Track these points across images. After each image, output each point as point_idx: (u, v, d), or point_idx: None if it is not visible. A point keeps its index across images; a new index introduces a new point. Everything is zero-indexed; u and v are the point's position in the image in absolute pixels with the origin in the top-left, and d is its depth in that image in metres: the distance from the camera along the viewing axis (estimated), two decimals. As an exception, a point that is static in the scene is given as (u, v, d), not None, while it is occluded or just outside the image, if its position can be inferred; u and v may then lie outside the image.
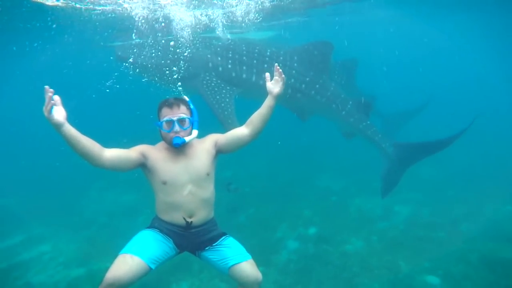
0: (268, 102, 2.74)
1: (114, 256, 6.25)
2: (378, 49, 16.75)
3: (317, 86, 6.63)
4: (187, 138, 2.57)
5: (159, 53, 6.02)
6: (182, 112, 2.58)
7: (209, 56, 6.14)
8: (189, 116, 2.62)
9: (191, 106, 2.70)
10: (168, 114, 2.55)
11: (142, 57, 6.04)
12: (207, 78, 5.98)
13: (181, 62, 5.85)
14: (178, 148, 2.59)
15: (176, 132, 2.53)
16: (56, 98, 2.24)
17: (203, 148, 2.71)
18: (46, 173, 10.09)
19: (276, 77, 2.74)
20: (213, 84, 5.92)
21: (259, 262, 2.90)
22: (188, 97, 2.80)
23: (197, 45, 6.20)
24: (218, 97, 5.75)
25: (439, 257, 5.32)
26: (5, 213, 8.20)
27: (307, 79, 6.55)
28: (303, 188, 8.47)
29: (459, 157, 9.60)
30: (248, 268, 2.69)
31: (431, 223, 6.57)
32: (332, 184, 8.82)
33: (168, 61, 5.97)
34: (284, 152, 10.59)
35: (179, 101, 2.62)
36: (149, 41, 6.22)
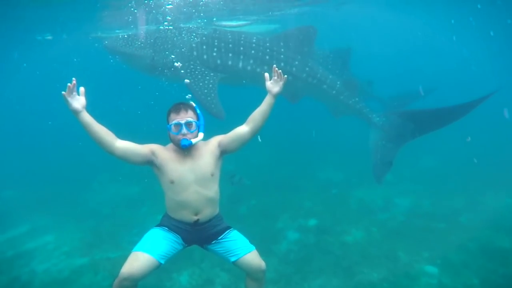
0: (267, 100, 2.90)
1: (117, 246, 6.33)
2: (378, 37, 16.84)
3: (307, 68, 6.84)
4: (193, 140, 2.72)
5: (149, 44, 6.17)
6: (189, 116, 2.74)
7: (193, 45, 6.26)
8: (195, 120, 2.78)
9: (198, 111, 2.87)
10: (177, 118, 2.71)
11: (132, 48, 6.18)
12: (191, 66, 6.10)
13: (167, 52, 5.99)
14: (186, 149, 2.74)
15: (184, 135, 2.69)
16: (81, 89, 2.60)
17: (208, 150, 2.84)
18: (51, 166, 10.20)
19: (275, 77, 2.88)
20: (196, 72, 6.05)
21: (259, 252, 2.99)
22: (194, 103, 2.94)
23: (182, 34, 6.31)
24: (201, 84, 5.94)
25: (438, 246, 5.36)
26: (11, 204, 8.33)
27: (296, 62, 6.74)
28: (304, 180, 8.50)
29: (460, 148, 9.59)
30: (251, 259, 2.88)
31: (431, 214, 6.60)
32: (333, 176, 8.86)
33: (158, 52, 6.10)
34: (285, 145, 10.63)
35: (186, 106, 2.79)
36: (140, 31, 6.33)
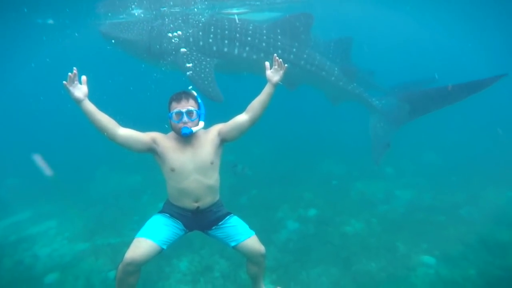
0: (267, 89, 2.88)
1: (118, 232, 6.39)
2: (381, 28, 16.77)
3: (305, 56, 6.83)
4: (194, 129, 2.75)
5: (146, 29, 6.18)
6: (190, 105, 2.78)
7: (190, 31, 6.24)
8: (196, 109, 2.81)
9: (199, 100, 2.90)
10: (178, 107, 2.76)
11: (128, 34, 6.19)
12: (187, 52, 6.12)
13: (164, 38, 5.97)
14: (186, 138, 2.77)
15: (185, 123, 2.73)
16: (83, 78, 2.62)
17: (208, 138, 2.87)
18: (55, 156, 10.25)
19: (275, 67, 2.87)
20: (193, 57, 6.09)
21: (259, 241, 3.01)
22: (194, 91, 2.97)
23: (179, 20, 6.29)
24: (198, 69, 5.98)
25: (437, 239, 5.35)
26: (14, 192, 8.43)
27: (294, 49, 6.72)
28: (305, 172, 8.51)
29: (463, 143, 9.57)
30: (251, 244, 2.95)
31: (431, 207, 6.60)
32: (334, 168, 8.85)
33: (153, 37, 6.10)
34: (287, 137, 10.62)
35: (188, 95, 2.83)
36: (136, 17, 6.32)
